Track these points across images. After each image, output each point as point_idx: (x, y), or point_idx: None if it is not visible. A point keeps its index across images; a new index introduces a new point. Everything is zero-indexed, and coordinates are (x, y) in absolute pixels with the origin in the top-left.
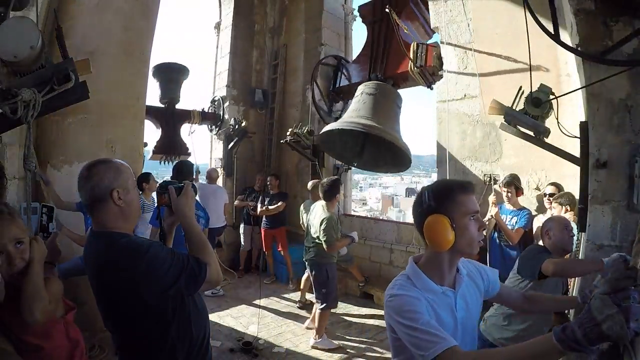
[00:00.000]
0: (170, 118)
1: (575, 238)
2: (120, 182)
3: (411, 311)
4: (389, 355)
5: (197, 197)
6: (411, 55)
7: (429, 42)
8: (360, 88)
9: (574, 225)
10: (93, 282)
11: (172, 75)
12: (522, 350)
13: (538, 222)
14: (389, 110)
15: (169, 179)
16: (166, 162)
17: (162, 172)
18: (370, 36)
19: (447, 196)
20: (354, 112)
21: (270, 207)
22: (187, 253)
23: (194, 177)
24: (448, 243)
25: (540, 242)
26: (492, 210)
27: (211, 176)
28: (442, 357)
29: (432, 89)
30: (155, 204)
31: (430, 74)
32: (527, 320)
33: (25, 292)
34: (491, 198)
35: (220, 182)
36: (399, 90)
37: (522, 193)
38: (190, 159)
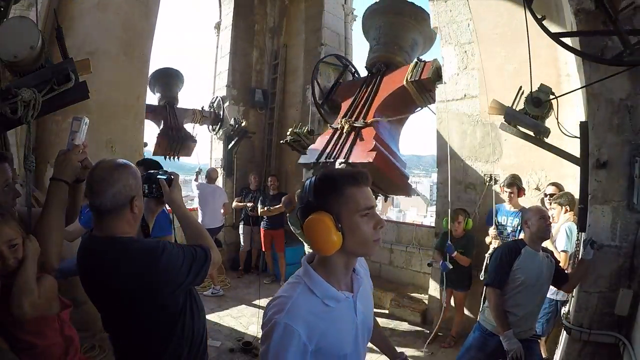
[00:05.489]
0: (172, 116)
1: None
2: (138, 189)
3: (283, 348)
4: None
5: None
6: (409, 71)
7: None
8: None
9: (571, 225)
10: (98, 288)
11: (169, 80)
12: None
13: None
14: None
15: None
16: (172, 159)
17: None
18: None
19: (331, 188)
20: None
21: (272, 208)
22: (190, 244)
23: (195, 177)
24: (332, 246)
25: None
26: (494, 243)
27: (211, 176)
28: None
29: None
30: None
31: (427, 90)
32: (518, 313)
33: (15, 285)
34: (491, 231)
35: (220, 182)
36: None
37: (524, 193)
38: (192, 158)
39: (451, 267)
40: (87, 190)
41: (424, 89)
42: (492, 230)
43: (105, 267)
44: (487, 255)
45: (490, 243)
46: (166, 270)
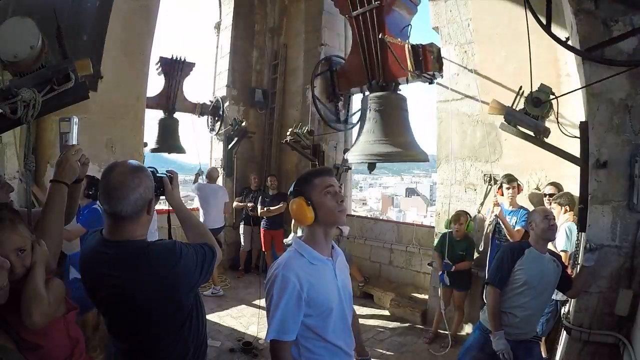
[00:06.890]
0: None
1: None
2: (153, 191)
3: (282, 292)
4: (389, 355)
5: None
6: (408, 61)
7: (424, 43)
8: (366, 102)
9: (571, 225)
10: (109, 291)
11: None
12: None
13: None
14: (400, 120)
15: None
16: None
17: None
18: (356, 34)
19: (304, 181)
20: (369, 135)
21: (271, 208)
22: (196, 243)
23: (195, 179)
24: (307, 217)
25: None
26: (495, 210)
27: (211, 176)
28: (275, 343)
29: (432, 83)
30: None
31: (430, 76)
32: (518, 315)
33: (25, 294)
34: (493, 199)
35: (220, 182)
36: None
37: (522, 190)
38: (191, 158)
39: (448, 284)
40: (103, 196)
41: (426, 75)
42: (493, 198)
43: (123, 271)
44: (486, 224)
45: (493, 211)
46: (184, 272)
